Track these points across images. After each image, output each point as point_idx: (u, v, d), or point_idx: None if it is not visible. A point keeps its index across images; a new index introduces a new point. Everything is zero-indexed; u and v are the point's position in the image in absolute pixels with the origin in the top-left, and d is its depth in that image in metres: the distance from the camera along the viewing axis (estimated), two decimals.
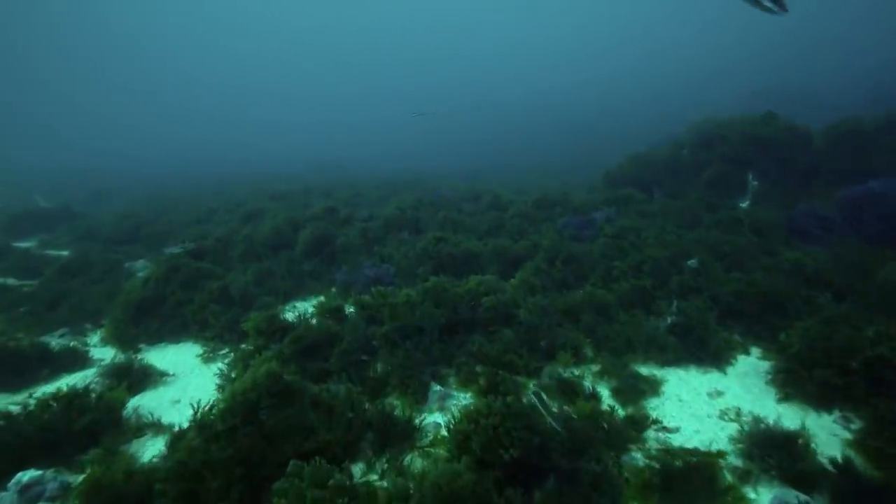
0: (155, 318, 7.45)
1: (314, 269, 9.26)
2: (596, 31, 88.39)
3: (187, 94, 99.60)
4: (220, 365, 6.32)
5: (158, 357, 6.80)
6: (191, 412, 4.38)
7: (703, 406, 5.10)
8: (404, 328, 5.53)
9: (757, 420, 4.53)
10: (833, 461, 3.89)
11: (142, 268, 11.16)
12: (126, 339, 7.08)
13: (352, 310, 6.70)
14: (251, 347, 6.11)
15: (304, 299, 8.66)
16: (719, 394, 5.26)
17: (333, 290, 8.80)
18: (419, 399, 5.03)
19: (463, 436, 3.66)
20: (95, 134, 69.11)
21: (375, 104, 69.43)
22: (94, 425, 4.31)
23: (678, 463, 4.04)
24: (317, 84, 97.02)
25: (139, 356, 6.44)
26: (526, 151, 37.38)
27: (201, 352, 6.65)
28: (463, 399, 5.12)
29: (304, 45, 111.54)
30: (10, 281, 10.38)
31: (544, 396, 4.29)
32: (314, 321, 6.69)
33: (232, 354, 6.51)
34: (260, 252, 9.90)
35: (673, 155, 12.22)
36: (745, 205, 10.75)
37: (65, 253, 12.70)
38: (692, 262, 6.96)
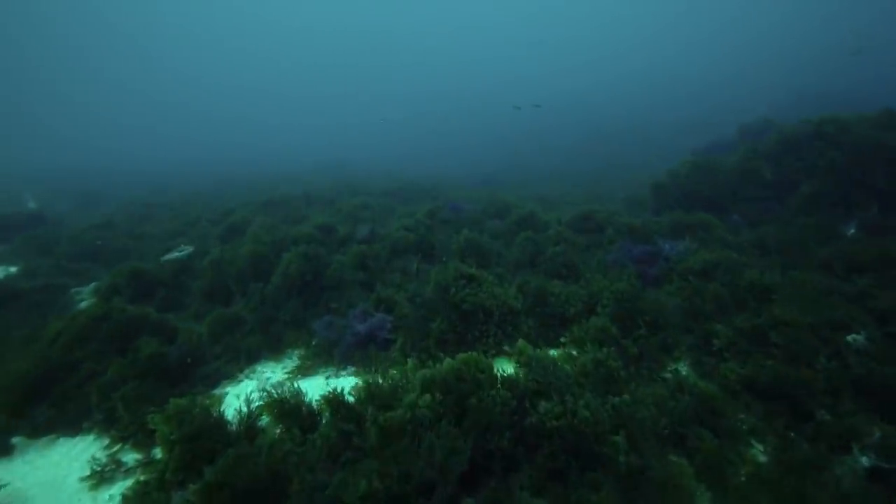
0: (53, 400, 5.02)
1: (295, 312, 6.77)
2: (612, 33, 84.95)
3: (190, 95, 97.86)
4: (115, 494, 3.88)
5: (33, 464, 4.37)
6: None
7: None
8: (399, 483, 2.99)
9: None
10: None
11: (90, 296, 8.81)
12: None
13: (322, 404, 4.19)
14: (157, 474, 3.64)
15: (276, 359, 6.18)
16: None
17: (315, 342, 6.32)
18: None
19: None
20: (97, 134, 67.92)
21: (387, 105, 66.87)
22: None
23: None
24: (324, 86, 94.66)
25: None
26: (541, 153, 34.72)
27: (90, 470, 4.18)
28: None
29: (314, 48, 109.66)
30: None
31: None
32: (264, 419, 4.22)
33: (137, 473, 4.07)
34: (231, 287, 7.43)
35: (747, 163, 9.49)
36: (850, 233, 8.02)
37: (13, 269, 10.43)
38: (856, 337, 4.33)
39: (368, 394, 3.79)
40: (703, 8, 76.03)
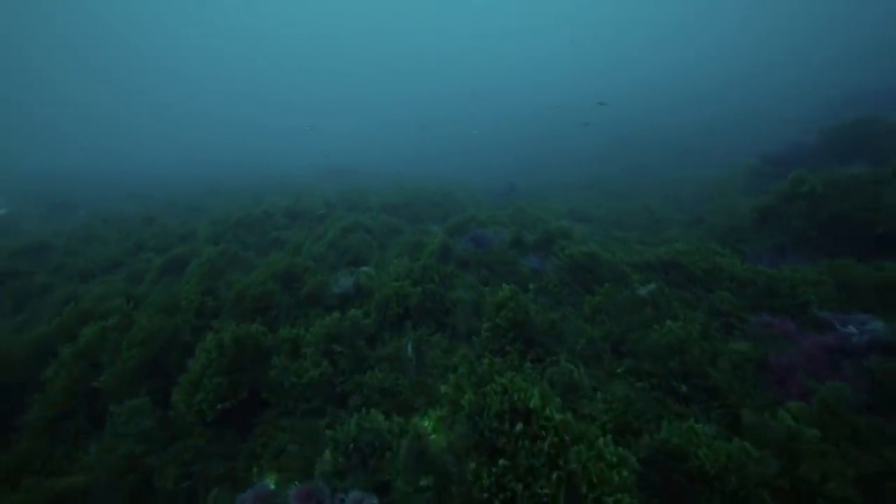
0: None
1: (189, 468, 3.51)
2: (625, 34, 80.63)
3: (200, 99, 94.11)
4: None
5: None
6: None
7: None
8: None
9: None
10: None
11: None
12: None
13: None
14: None
15: None
16: None
17: None
18: None
19: None
20: (103, 135, 65.30)
21: (399, 108, 63.18)
22: None
23: None
24: (339, 91, 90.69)
25: None
26: (557, 157, 31.15)
27: None
28: None
29: (329, 56, 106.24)
30: None
31: None
32: None
33: None
34: (107, 405, 4.17)
35: None
36: None
37: None
38: None
39: None
40: (718, 7, 71.69)
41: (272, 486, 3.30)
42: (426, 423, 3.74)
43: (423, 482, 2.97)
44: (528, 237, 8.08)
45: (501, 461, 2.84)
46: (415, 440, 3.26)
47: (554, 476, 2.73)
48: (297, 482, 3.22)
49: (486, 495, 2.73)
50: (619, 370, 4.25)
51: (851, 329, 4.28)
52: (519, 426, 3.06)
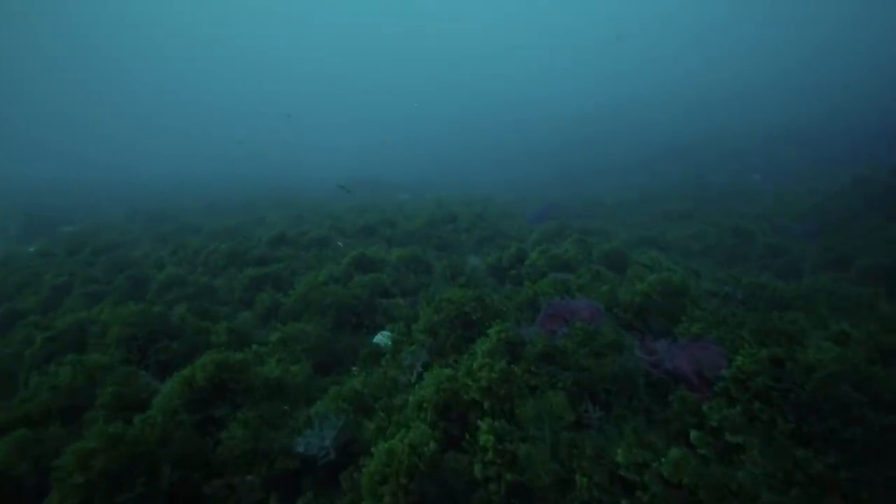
0: None
1: None
2: (665, 29, 75.52)
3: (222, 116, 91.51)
4: None
5: None
6: None
7: None
8: None
9: None
10: None
11: None
12: None
13: None
14: None
15: None
16: None
17: None
18: None
19: None
20: (108, 149, 64.35)
21: (431, 120, 60.08)
22: None
23: None
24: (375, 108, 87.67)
25: None
26: (601, 172, 27.59)
27: None
28: None
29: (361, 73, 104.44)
30: None
31: None
32: None
33: None
34: None
35: None
36: None
37: None
38: None
39: None
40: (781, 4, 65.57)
41: None
42: None
43: None
44: (625, 294, 4.95)
45: None
46: None
47: None
48: None
49: None
50: None
51: None
52: None
